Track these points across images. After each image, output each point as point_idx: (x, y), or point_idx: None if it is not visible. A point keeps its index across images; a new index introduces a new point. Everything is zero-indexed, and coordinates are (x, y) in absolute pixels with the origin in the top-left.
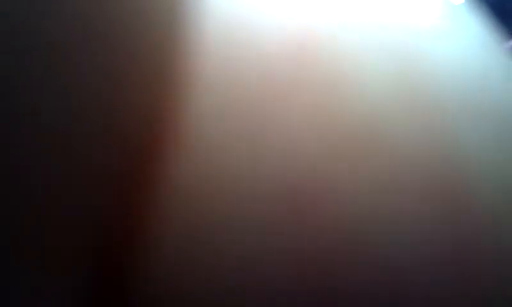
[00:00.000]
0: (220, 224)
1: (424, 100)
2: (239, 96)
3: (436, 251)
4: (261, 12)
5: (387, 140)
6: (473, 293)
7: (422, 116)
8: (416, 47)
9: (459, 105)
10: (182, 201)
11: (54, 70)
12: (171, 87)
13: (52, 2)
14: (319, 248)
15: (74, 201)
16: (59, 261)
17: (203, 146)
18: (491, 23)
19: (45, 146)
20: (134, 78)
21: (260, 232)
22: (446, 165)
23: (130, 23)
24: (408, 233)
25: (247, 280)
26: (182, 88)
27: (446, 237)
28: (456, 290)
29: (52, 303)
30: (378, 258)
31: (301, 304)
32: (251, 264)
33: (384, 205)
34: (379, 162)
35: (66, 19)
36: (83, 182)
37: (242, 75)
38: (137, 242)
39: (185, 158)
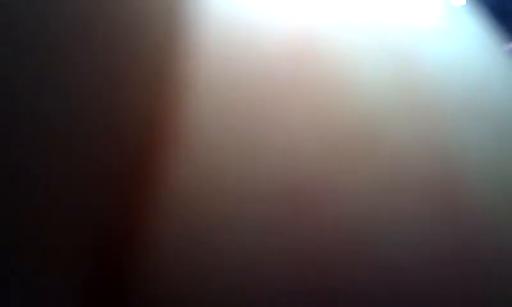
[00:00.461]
0: (220, 224)
1: (423, 101)
2: (238, 96)
3: (436, 251)
4: (261, 12)
5: (387, 140)
6: (473, 293)
7: (422, 116)
8: (416, 47)
9: (458, 106)
10: (182, 201)
11: (54, 69)
12: (171, 87)
13: (51, 1)
14: (319, 248)
15: (74, 201)
16: (59, 261)
17: (203, 146)
18: (491, 24)
19: (45, 146)
20: (134, 78)
21: (260, 232)
22: (446, 166)
23: (130, 24)
24: (407, 233)
25: (247, 280)
26: (182, 88)
27: (446, 237)
28: (456, 290)
29: (52, 303)
30: (378, 258)
31: (301, 304)
32: (251, 264)
33: (384, 205)
34: (379, 162)
35: (66, 19)
36: (83, 182)
37: (242, 75)
38: (137, 242)
39: (185, 159)
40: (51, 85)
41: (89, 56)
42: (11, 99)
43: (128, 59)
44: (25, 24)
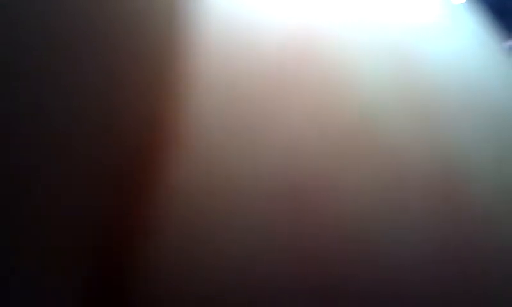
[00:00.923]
0: (220, 223)
1: (424, 99)
2: (239, 95)
3: (436, 249)
4: (261, 12)
5: (387, 138)
6: (474, 292)
7: (422, 114)
8: (416, 46)
9: (459, 104)
10: (182, 201)
11: (54, 69)
12: (171, 87)
13: (52, 1)
14: (320, 246)
15: (74, 201)
16: (59, 261)
17: (203, 146)
18: (490, 23)
19: (45, 146)
20: (134, 78)
21: (261, 231)
22: (446, 163)
23: (130, 23)
24: (408, 231)
25: (248, 279)
26: (182, 87)
27: (447, 235)
28: (457, 289)
29: (52, 303)
30: (379, 256)
31: (303, 302)
32: (251, 263)
33: (385, 203)
34: (379, 160)
35: (65, 19)
36: (83, 182)
37: (242, 75)
38: (137, 242)
39: (185, 158)
40: (51, 85)
41: (89, 56)
42: (11, 99)
43: (129, 59)
44: (26, 24)
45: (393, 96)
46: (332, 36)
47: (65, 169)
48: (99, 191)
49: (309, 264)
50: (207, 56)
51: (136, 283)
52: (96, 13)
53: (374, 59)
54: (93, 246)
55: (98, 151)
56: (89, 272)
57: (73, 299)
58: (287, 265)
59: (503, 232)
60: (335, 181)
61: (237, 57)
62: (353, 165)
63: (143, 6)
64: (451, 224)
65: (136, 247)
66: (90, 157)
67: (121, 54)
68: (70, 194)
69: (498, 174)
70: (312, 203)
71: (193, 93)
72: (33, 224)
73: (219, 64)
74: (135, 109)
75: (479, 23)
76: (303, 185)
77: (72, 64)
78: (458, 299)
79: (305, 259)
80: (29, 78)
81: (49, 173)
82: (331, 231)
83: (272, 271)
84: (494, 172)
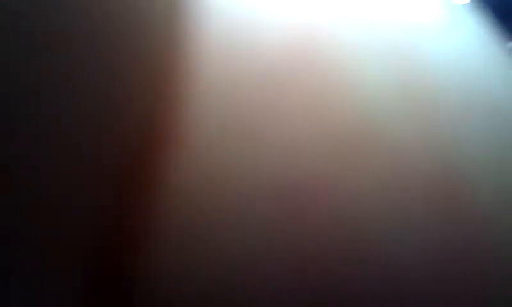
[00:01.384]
0: (220, 223)
1: (424, 98)
2: (239, 94)
3: (436, 249)
4: (261, 11)
5: (387, 138)
6: (475, 292)
7: (423, 113)
8: (417, 45)
9: (459, 104)
10: (182, 201)
11: (55, 69)
12: (172, 87)
13: (52, 1)
14: (320, 246)
15: (74, 201)
16: (59, 261)
17: (203, 146)
18: (491, 22)
19: (46, 146)
20: (135, 77)
21: (261, 231)
22: (446, 163)
23: (131, 22)
24: (409, 232)
25: (248, 279)
26: (183, 87)
27: (447, 235)
28: (457, 289)
29: (52, 303)
30: (379, 256)
31: (302, 302)
32: (252, 263)
33: (386, 204)
34: (379, 160)
35: (65, 18)
36: (83, 182)
37: (243, 74)
38: (137, 242)
39: (185, 158)
40: (52, 84)
41: (89, 56)
42: (11, 99)
43: (129, 59)
44: (26, 24)
45: (394, 95)
46: (332, 35)
47: (65, 169)
48: (99, 191)
49: (309, 263)
50: (208, 56)
51: (136, 283)
52: (97, 12)
53: (374, 59)
54: (93, 246)
55: (98, 151)
56: (89, 272)
57: (73, 299)
58: (287, 265)
59: (503, 232)
60: (335, 181)
61: (238, 56)
62: (353, 164)
63: (143, 6)
64: (451, 224)
65: (136, 247)
66: (90, 157)
67: (122, 53)
68: (71, 194)
69: (498, 174)
70: (311, 202)
71: (193, 92)
72: (33, 224)
73: (219, 64)
74: (135, 108)
75: (480, 23)
76: (303, 184)
77: (72, 63)
78: (458, 299)
79: (305, 258)
80: (29, 77)
81: (49, 173)
82: (330, 231)
83: (272, 271)
84: (494, 172)
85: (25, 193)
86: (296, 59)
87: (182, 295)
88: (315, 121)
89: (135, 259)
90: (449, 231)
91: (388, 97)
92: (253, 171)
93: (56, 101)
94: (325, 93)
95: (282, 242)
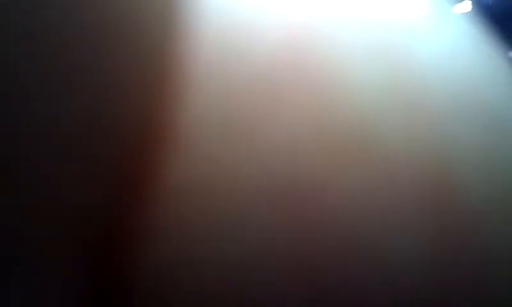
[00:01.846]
0: (220, 223)
1: (416, 98)
2: (237, 94)
3: (431, 251)
4: (257, 11)
5: (379, 139)
6: (465, 294)
7: (415, 114)
8: (408, 44)
9: (449, 103)
10: (181, 201)
11: (53, 70)
12: (170, 86)
13: (51, 1)
14: (317, 247)
15: (74, 200)
16: (59, 261)
17: (202, 145)
18: (485, 24)
19: (45, 146)
20: (133, 78)
21: (260, 231)
22: (437, 163)
23: (128, 23)
24: (404, 233)
25: (247, 279)
26: (181, 87)
27: (438, 236)
28: (455, 290)
29: (52, 303)
30: (377, 257)
31: (300, 303)
32: (250, 263)
33: (383, 205)
34: (374, 161)
35: (65, 19)
36: (83, 182)
37: (240, 74)
38: (137, 241)
39: (184, 158)
40: (50, 85)
41: (88, 56)
42: (10, 99)
43: (127, 59)
44: (25, 24)
45: (385, 95)
46: (326, 34)
47: (65, 169)
48: (99, 191)
49: (307, 264)
50: (205, 56)
51: (136, 283)
52: (94, 12)
53: (366, 58)
54: (93, 246)
55: (98, 150)
56: (89, 272)
57: (73, 299)
58: (285, 265)
59: (498, 233)
60: (332, 182)
61: (235, 56)
62: (345, 164)
63: (140, 6)
64: (445, 226)
65: (136, 246)
66: (90, 156)
67: (120, 54)
68: (70, 193)
69: (490, 175)
70: (309, 203)
71: (191, 92)
72: (33, 223)
73: (216, 64)
74: (133, 108)
75: (473, 24)
76: (300, 185)
77: (71, 64)
78: (456, 300)
79: (303, 259)
80: (28, 78)
81: (49, 173)
82: (328, 231)
83: (271, 271)
84: (484, 172)
85: (25, 193)
86: (291, 60)
87: (182, 295)
88: (310, 121)
89: (135, 259)
90: (444, 233)
91: (380, 97)
92: (251, 171)
93: (56, 101)
94: (317, 93)
95: (280, 242)
